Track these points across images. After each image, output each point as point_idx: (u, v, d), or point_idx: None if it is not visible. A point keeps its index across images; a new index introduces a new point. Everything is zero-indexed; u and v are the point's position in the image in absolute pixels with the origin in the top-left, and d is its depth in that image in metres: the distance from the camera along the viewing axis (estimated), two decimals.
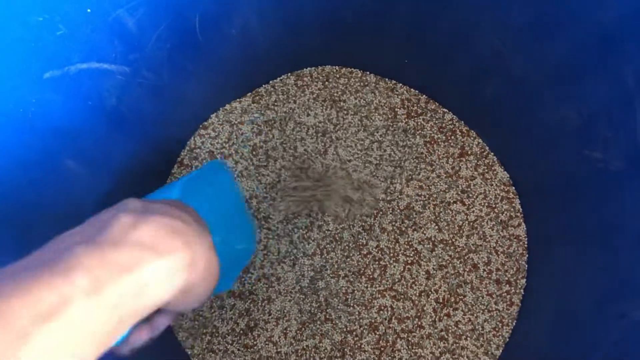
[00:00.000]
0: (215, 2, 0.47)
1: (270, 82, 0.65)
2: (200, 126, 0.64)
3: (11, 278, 0.23)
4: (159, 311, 0.36)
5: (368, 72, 0.66)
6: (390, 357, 0.61)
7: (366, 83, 0.66)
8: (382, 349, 0.61)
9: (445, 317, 0.61)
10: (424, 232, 0.63)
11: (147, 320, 0.36)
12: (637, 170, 0.43)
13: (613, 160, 0.44)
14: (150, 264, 0.26)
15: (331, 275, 0.61)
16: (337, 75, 0.66)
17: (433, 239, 0.63)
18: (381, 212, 0.63)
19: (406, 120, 0.65)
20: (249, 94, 0.65)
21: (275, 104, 0.65)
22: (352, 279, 0.62)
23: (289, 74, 0.65)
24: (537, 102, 0.51)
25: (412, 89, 0.66)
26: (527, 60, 0.49)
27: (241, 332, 0.62)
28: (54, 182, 0.44)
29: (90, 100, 0.45)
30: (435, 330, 0.61)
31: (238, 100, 0.65)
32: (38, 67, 0.37)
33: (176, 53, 0.49)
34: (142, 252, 0.26)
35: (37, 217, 0.42)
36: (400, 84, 0.66)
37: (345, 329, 0.61)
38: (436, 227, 0.63)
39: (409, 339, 0.61)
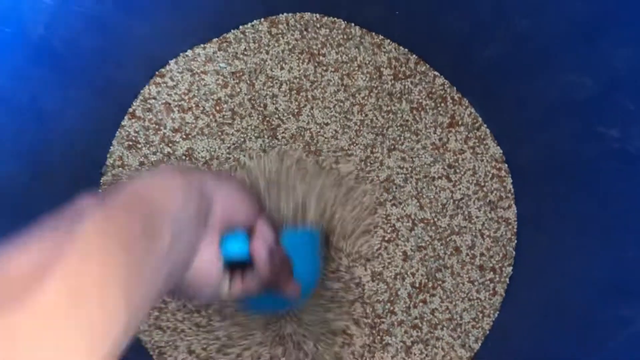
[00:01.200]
0: None
1: (240, 27, 0.57)
2: (157, 73, 0.56)
3: None
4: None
5: (353, 24, 0.58)
6: (353, 343, 0.54)
7: (350, 36, 0.57)
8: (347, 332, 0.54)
9: (420, 304, 0.55)
10: (404, 208, 0.56)
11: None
12: None
13: (632, 140, 0.38)
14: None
15: None
16: (318, 25, 0.57)
17: (413, 217, 0.56)
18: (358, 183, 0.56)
19: (392, 82, 0.57)
20: (215, 40, 0.57)
21: (245, 53, 0.57)
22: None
23: (262, 19, 0.57)
24: (544, 66, 0.44)
25: (401, 47, 0.58)
26: (536, 14, 0.42)
27: (193, 309, 0.55)
28: None
29: (9, 27, 0.36)
30: (409, 318, 0.55)
31: (202, 45, 0.56)
32: None
33: None
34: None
35: None
36: (389, 40, 0.58)
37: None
38: (417, 203, 0.56)
39: (379, 324, 0.55)
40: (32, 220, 0.45)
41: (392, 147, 0.57)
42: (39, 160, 0.45)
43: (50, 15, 0.38)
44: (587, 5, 0.37)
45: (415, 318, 0.55)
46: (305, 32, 0.57)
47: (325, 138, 0.56)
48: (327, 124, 0.56)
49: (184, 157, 0.55)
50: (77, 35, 0.43)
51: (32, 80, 0.41)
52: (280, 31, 0.57)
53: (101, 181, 0.55)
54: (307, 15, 0.57)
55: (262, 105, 0.56)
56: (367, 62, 0.57)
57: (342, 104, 0.57)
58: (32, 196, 0.45)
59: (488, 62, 0.51)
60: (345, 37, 0.57)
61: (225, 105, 0.56)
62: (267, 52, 0.57)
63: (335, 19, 0.57)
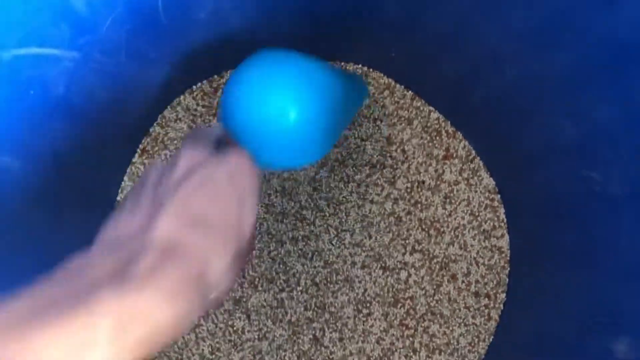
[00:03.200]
0: None
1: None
2: (164, 112, 0.59)
3: (32, 313, 0.23)
4: None
5: (351, 64, 0.60)
6: None
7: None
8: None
9: (420, 329, 0.58)
10: (407, 237, 0.59)
11: None
12: (638, 197, 0.39)
13: (612, 184, 0.41)
14: (166, 315, 0.25)
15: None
16: None
17: (412, 244, 0.59)
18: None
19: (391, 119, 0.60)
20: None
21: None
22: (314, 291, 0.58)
23: None
24: (532, 112, 0.47)
25: (397, 84, 0.61)
26: (525, 67, 0.44)
27: None
28: None
29: (33, 89, 0.39)
30: (407, 342, 0.58)
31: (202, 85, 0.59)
32: None
33: (135, 37, 0.43)
34: (160, 303, 0.25)
35: None
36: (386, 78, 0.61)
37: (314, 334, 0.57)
38: (416, 233, 0.59)
39: (378, 349, 0.58)
40: (50, 260, 0.48)
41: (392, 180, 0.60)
42: (58, 209, 0.48)
43: (69, 75, 0.41)
44: (574, 63, 0.40)
45: (413, 343, 0.58)
46: None
47: None
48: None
49: None
50: (92, 89, 0.45)
51: (52, 132, 0.44)
52: None
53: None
54: None
55: None
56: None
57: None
58: (50, 243, 0.48)
59: (480, 101, 0.54)
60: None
61: None
62: None
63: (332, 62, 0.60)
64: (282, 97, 0.35)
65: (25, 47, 0.35)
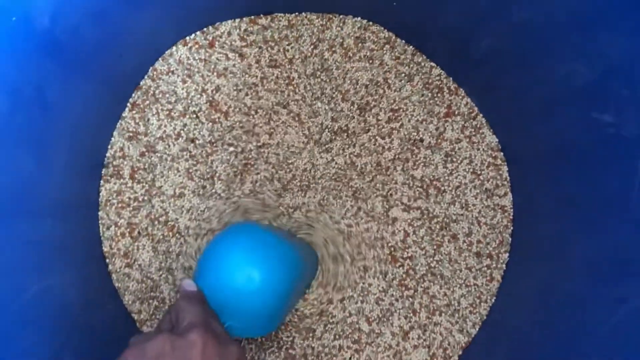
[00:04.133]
0: None
1: (231, 21, 0.57)
2: (156, 64, 0.56)
3: None
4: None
5: (354, 17, 0.58)
6: (349, 331, 0.55)
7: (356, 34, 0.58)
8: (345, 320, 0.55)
9: (420, 290, 0.56)
10: (401, 196, 0.57)
11: None
12: None
13: (627, 125, 0.39)
14: None
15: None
16: (311, 24, 0.58)
17: (411, 205, 0.57)
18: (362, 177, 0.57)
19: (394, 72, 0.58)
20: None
21: (236, 48, 0.57)
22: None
23: (254, 16, 0.58)
24: (541, 55, 0.45)
25: (398, 39, 0.59)
26: (533, 5, 0.43)
27: None
28: None
29: (15, 15, 0.36)
30: (407, 304, 0.56)
31: (196, 35, 0.57)
32: None
33: None
34: None
35: None
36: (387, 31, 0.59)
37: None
38: (414, 192, 0.57)
39: (376, 310, 0.56)
40: (35, 208, 0.46)
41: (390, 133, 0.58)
42: (43, 150, 0.45)
43: (55, 5, 0.39)
44: None
45: (413, 304, 0.56)
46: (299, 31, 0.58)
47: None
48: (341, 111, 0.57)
49: (184, 146, 0.56)
50: (79, 26, 0.43)
51: (36, 70, 0.41)
52: (278, 27, 0.58)
53: (102, 172, 0.55)
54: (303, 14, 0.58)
55: (253, 93, 0.57)
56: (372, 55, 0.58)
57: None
58: (36, 185, 0.45)
59: (484, 53, 0.52)
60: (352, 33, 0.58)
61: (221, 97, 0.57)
62: (262, 47, 0.58)
63: (332, 15, 0.58)
64: (249, 265, 0.42)
65: None
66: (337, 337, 0.55)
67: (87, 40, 0.46)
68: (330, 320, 0.55)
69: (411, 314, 0.56)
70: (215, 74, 0.57)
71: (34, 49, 0.40)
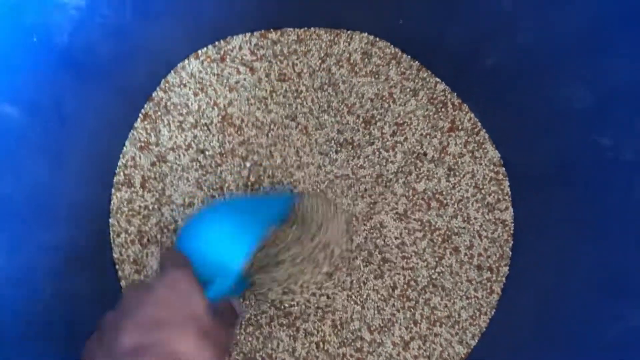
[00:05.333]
0: None
1: (242, 35, 0.59)
2: (168, 76, 0.58)
3: None
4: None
5: (362, 33, 0.60)
6: (352, 338, 0.57)
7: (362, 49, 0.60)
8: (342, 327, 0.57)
9: (421, 301, 0.57)
10: (404, 209, 0.58)
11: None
12: None
13: (625, 150, 0.40)
14: None
15: None
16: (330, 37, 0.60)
17: (413, 218, 0.58)
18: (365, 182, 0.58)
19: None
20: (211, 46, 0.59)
21: (244, 62, 0.59)
22: None
23: (264, 30, 0.59)
24: (543, 75, 0.47)
25: (404, 54, 0.60)
26: (540, 26, 0.44)
27: None
28: None
29: (37, 36, 0.38)
30: (409, 315, 0.57)
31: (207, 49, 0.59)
32: None
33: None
34: None
35: None
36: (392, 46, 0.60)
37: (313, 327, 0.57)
38: (417, 205, 0.59)
39: (378, 322, 0.57)
40: (49, 214, 0.48)
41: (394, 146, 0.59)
42: (59, 159, 0.47)
43: (74, 24, 0.40)
44: (591, 22, 0.39)
45: (414, 315, 0.57)
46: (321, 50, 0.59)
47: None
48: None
49: (194, 156, 0.58)
50: (96, 42, 0.45)
51: (54, 85, 0.43)
52: (287, 42, 0.59)
53: (114, 181, 0.57)
54: (311, 30, 0.60)
55: (263, 106, 0.58)
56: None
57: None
58: (51, 192, 0.47)
59: (489, 71, 0.54)
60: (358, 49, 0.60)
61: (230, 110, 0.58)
62: (272, 61, 0.59)
63: (340, 30, 0.60)
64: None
65: None
66: (342, 344, 0.57)
67: (102, 54, 0.47)
68: (337, 325, 0.57)
69: (412, 325, 0.57)
70: (227, 87, 0.58)
71: (53, 64, 0.42)
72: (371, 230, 0.58)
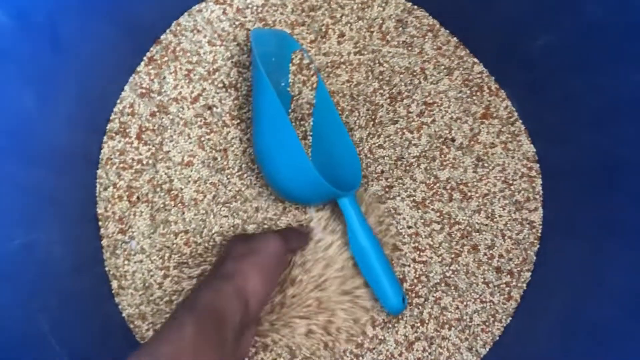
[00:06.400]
0: None
1: None
2: (179, 19, 0.52)
3: None
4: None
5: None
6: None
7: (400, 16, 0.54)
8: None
9: (431, 299, 0.52)
10: (419, 196, 0.53)
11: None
12: None
13: None
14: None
15: None
16: None
17: (432, 208, 0.53)
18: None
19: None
20: None
21: (258, 10, 0.53)
22: None
23: None
24: (608, 59, 0.41)
25: (442, 27, 0.54)
26: (613, 2, 0.38)
27: None
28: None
29: None
30: (415, 312, 0.52)
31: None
32: None
33: None
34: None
35: None
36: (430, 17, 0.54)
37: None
38: (436, 193, 0.53)
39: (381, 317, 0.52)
40: (30, 153, 0.42)
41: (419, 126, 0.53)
42: (48, 90, 0.41)
43: None
44: None
45: (422, 313, 0.52)
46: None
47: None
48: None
49: (200, 111, 0.52)
50: None
51: (54, 1, 0.37)
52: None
53: (107, 128, 0.51)
54: None
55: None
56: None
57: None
58: (35, 128, 0.41)
59: (538, 53, 0.48)
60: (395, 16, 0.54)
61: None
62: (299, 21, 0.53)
63: None
64: None
65: None
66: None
67: None
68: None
69: (418, 324, 0.52)
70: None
71: None
72: (382, 217, 0.53)
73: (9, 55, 0.35)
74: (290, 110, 0.52)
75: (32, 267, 0.41)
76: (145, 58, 0.52)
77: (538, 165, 0.53)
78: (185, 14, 0.52)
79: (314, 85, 0.52)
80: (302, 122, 0.52)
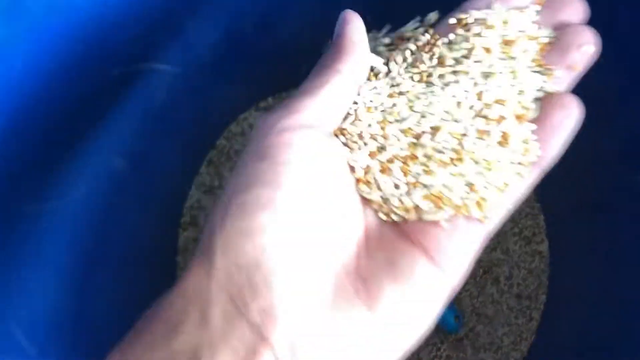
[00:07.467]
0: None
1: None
2: (230, 126, 0.64)
3: None
4: None
5: None
6: None
7: None
8: None
9: (466, 329, 0.62)
10: None
11: None
12: None
13: None
14: None
15: None
16: None
17: None
18: None
19: None
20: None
21: None
22: None
23: None
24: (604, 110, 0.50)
25: None
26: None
27: None
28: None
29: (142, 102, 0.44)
30: (454, 340, 0.62)
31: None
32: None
33: (226, 56, 0.49)
34: None
35: None
36: None
37: None
38: None
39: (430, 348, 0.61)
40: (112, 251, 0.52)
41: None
42: (128, 193, 0.52)
43: (167, 87, 0.46)
44: None
45: (460, 340, 0.62)
46: None
47: None
48: None
49: None
50: (180, 102, 0.50)
51: (145, 138, 0.49)
52: None
53: (181, 221, 0.62)
54: None
55: None
56: None
57: None
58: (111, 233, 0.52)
59: None
60: None
61: None
62: None
63: None
64: None
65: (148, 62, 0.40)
66: None
67: (181, 109, 0.53)
68: None
69: (459, 350, 0.61)
70: None
71: (149, 122, 0.47)
72: None
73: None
74: None
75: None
76: (205, 161, 0.63)
77: (539, 204, 0.64)
78: (235, 122, 0.64)
79: None
80: None
